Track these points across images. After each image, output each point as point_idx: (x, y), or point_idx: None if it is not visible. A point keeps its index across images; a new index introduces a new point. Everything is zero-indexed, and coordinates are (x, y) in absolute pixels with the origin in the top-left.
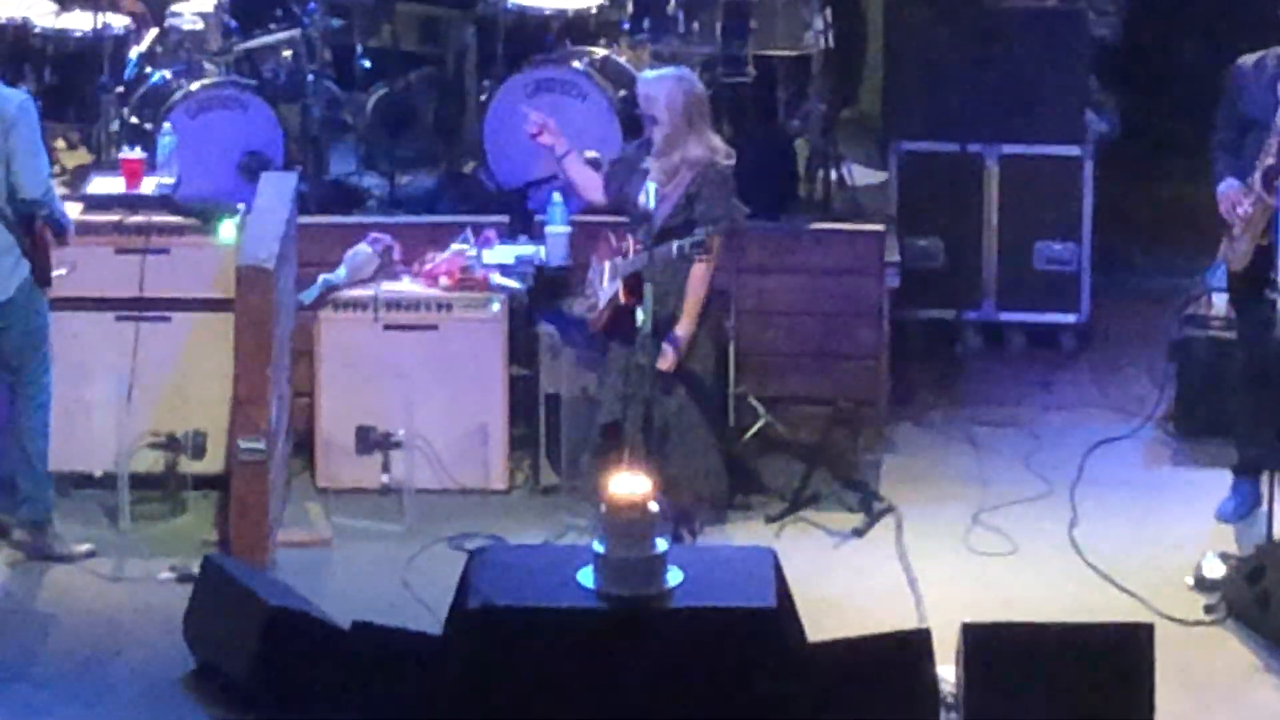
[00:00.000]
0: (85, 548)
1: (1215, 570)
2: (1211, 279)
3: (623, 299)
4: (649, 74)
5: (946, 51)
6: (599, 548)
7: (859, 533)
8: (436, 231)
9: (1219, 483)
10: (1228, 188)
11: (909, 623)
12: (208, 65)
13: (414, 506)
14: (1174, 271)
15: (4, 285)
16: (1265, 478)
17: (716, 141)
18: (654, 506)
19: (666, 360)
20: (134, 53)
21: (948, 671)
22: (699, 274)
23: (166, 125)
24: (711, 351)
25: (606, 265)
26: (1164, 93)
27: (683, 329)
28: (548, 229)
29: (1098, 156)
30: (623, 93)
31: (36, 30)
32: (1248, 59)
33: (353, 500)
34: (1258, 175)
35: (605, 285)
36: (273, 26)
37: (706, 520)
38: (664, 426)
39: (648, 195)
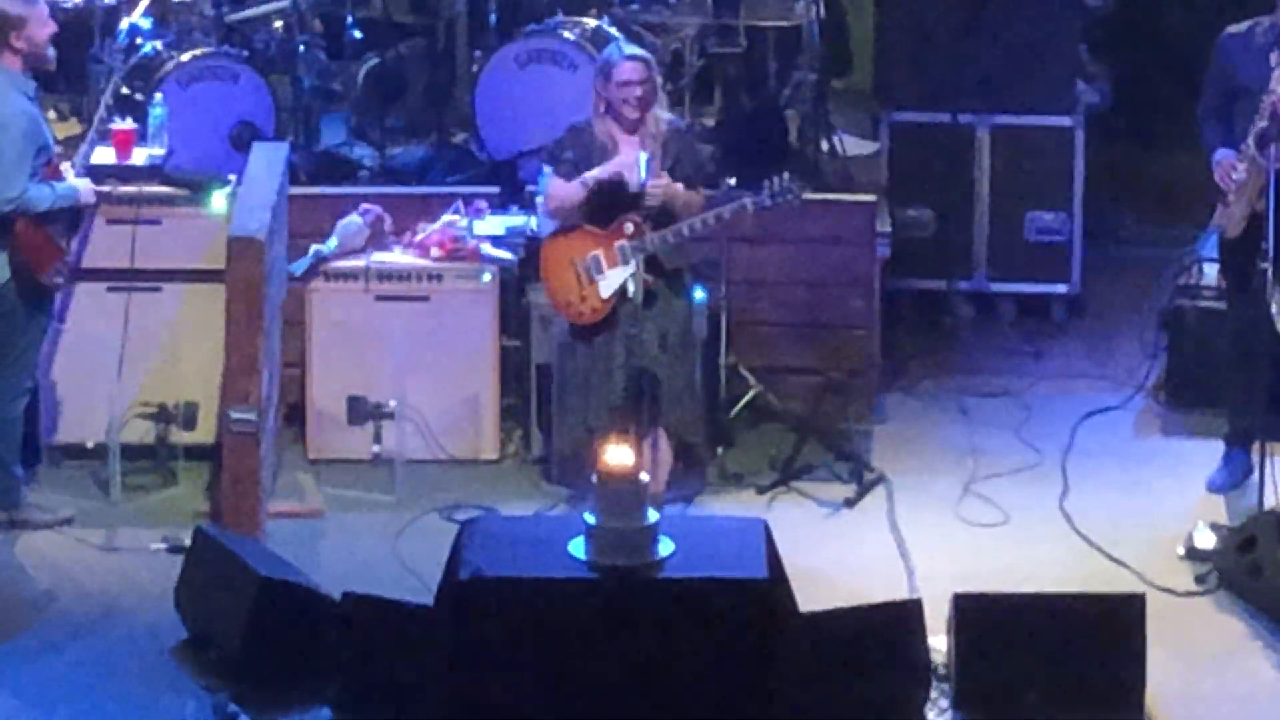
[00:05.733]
0: (64, 514)
1: (1206, 540)
2: (1202, 249)
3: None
4: (636, 49)
5: (938, 22)
6: (590, 519)
7: (850, 503)
8: (427, 202)
9: (1210, 453)
10: (1222, 156)
11: (900, 593)
12: (199, 36)
13: (405, 477)
14: (1165, 242)
15: None
16: (1256, 447)
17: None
18: (645, 477)
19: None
20: (125, 23)
21: (939, 642)
22: (698, 202)
23: (157, 96)
24: (688, 290)
25: (602, 253)
26: (1155, 62)
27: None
28: (539, 199)
29: (1089, 127)
30: None
31: None
32: (1237, 28)
33: (344, 471)
34: (1251, 139)
35: (607, 273)
36: None
37: (681, 472)
38: (661, 380)
39: (640, 168)
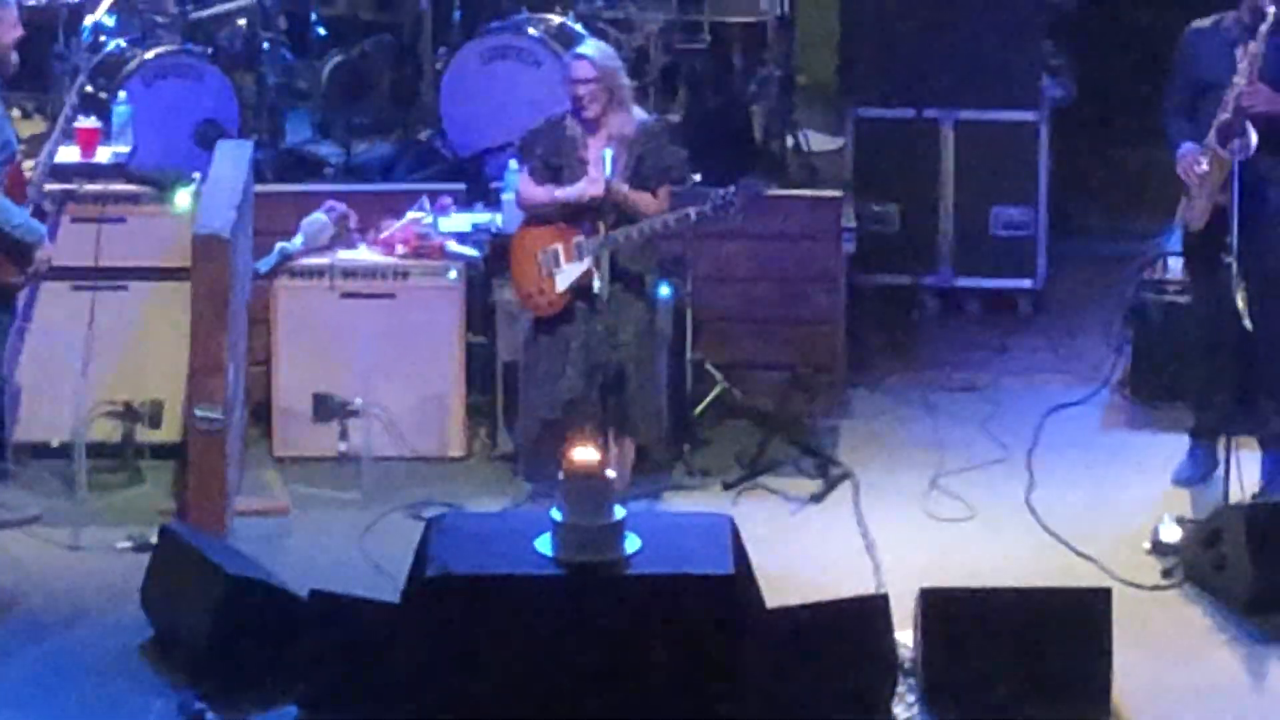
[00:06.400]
0: (30, 513)
1: (1172, 534)
2: (1167, 243)
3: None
4: (592, 47)
5: (902, 17)
6: (557, 515)
7: (816, 499)
8: (393, 199)
9: (1175, 447)
10: (1186, 150)
11: (867, 588)
12: (163, 34)
13: (371, 474)
14: (1130, 236)
15: None
16: (1221, 441)
17: (636, 106)
18: (611, 473)
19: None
20: (89, 21)
21: (906, 637)
22: (660, 205)
23: (122, 94)
24: (650, 291)
25: (561, 247)
26: (1119, 57)
27: (635, 197)
28: (504, 196)
29: (1053, 122)
30: None
31: None
32: (1201, 23)
33: (310, 468)
34: (1213, 132)
35: (564, 267)
36: None
37: (641, 471)
38: (622, 376)
39: (605, 165)
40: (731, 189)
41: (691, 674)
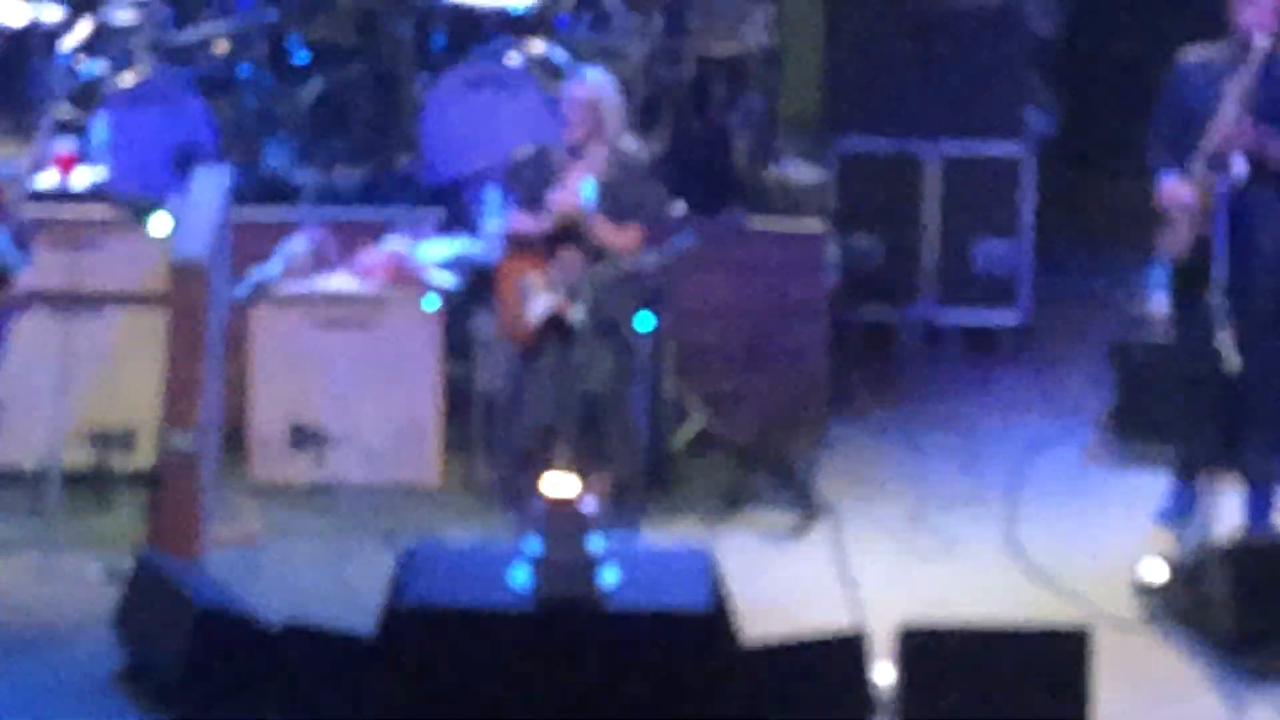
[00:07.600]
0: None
1: (1154, 572)
2: (1152, 280)
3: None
4: (594, 72)
5: (886, 50)
6: (533, 547)
7: (796, 532)
8: (371, 226)
9: (1158, 485)
10: (1168, 178)
11: (846, 623)
12: (141, 57)
13: (347, 503)
14: (1114, 272)
15: None
16: (1205, 480)
17: (626, 137)
18: (588, 506)
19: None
20: (66, 45)
21: (885, 673)
22: (630, 240)
23: (100, 118)
24: (634, 318)
25: (536, 278)
26: (1104, 90)
27: (604, 229)
28: (484, 224)
29: (1038, 155)
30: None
31: None
32: (1190, 53)
33: (286, 496)
34: (1200, 162)
35: (538, 297)
36: (208, 19)
37: (617, 504)
38: (598, 410)
39: (587, 193)
40: (689, 233)
41: (669, 709)
